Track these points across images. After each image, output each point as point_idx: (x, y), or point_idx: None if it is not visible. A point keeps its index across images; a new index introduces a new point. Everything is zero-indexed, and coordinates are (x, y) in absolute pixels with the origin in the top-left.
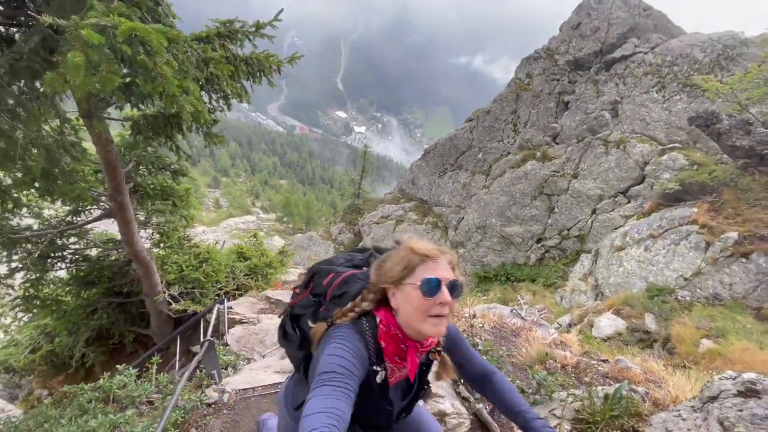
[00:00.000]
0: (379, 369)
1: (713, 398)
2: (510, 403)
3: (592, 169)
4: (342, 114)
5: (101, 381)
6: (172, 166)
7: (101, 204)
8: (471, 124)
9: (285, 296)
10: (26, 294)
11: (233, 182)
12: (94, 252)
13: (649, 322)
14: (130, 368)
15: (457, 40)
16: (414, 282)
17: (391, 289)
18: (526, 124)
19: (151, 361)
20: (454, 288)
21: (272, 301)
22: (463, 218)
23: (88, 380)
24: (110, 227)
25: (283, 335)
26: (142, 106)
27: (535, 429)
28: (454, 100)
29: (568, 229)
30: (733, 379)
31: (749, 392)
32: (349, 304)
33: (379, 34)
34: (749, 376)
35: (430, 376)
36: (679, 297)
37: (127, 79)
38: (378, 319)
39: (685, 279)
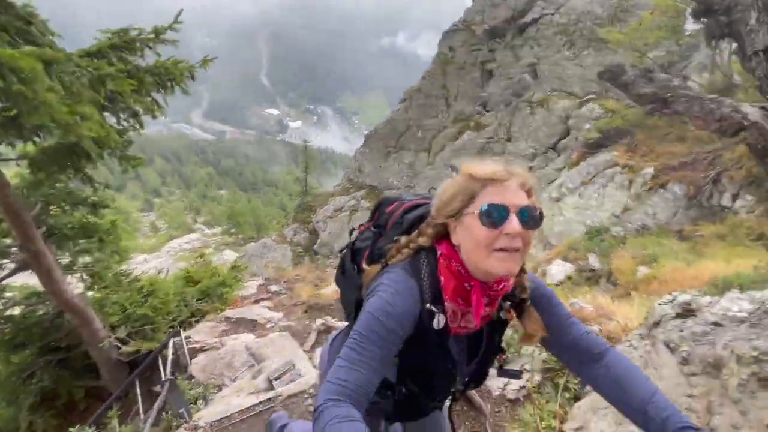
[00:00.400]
0: (436, 310)
1: (657, 323)
2: (637, 393)
3: (522, 130)
4: (273, 111)
5: None
6: (89, 200)
7: (12, 256)
8: (405, 104)
9: (246, 313)
10: None
11: (167, 201)
12: (16, 310)
13: (593, 261)
14: (87, 428)
15: (376, 20)
16: (474, 211)
17: (452, 223)
18: (456, 97)
19: (108, 415)
20: (528, 216)
21: (233, 320)
22: None
23: None
24: (30, 278)
25: (342, 272)
26: (37, 139)
27: None
28: (386, 82)
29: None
30: (671, 302)
31: (686, 312)
32: (404, 239)
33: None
34: (684, 297)
35: (518, 340)
36: (613, 233)
37: (12, 112)
38: (439, 252)
39: (617, 216)
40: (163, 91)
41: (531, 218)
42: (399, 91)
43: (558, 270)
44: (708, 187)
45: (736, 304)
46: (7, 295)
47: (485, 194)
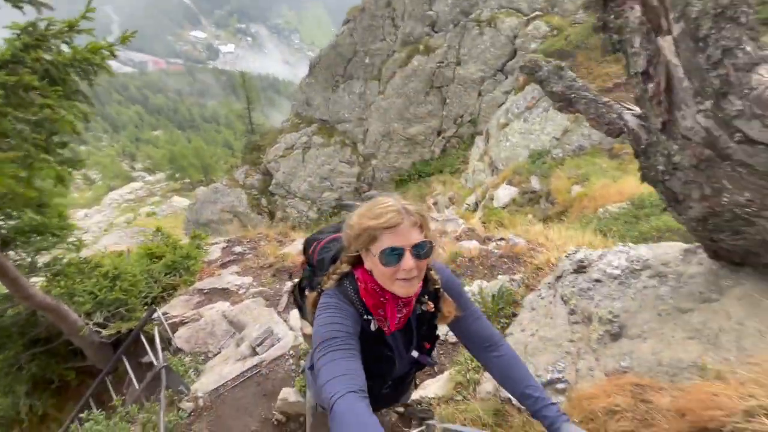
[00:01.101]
0: (369, 318)
1: (559, 277)
2: (518, 378)
3: (472, 52)
4: (200, 34)
5: None
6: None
7: None
8: (350, 26)
9: (217, 282)
10: None
11: (96, 149)
12: None
13: (534, 183)
14: (93, 411)
15: None
16: (375, 253)
17: (362, 253)
18: (403, 17)
19: (114, 402)
20: (420, 251)
21: (205, 291)
22: (367, 130)
23: (44, 429)
24: None
25: (299, 309)
26: None
27: (547, 417)
28: None
29: (461, 117)
30: (570, 258)
31: (580, 269)
32: (330, 269)
33: None
34: (580, 255)
35: (438, 321)
36: (553, 156)
37: None
38: (356, 277)
39: (557, 139)
40: (88, 81)
41: (423, 252)
42: (342, 3)
43: (504, 194)
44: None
45: (617, 259)
46: None
47: (384, 237)
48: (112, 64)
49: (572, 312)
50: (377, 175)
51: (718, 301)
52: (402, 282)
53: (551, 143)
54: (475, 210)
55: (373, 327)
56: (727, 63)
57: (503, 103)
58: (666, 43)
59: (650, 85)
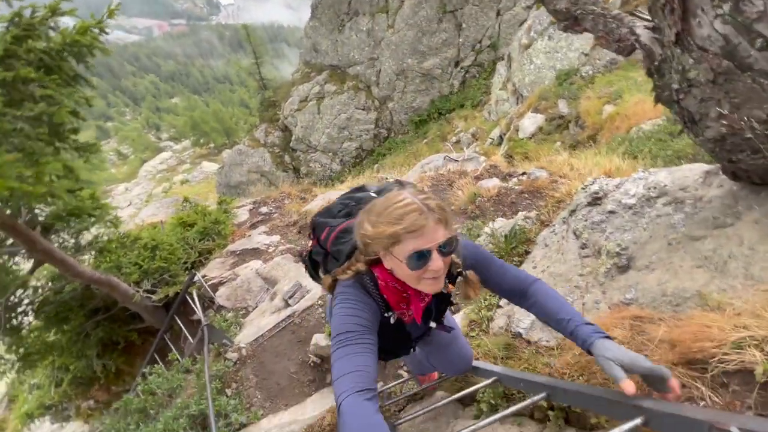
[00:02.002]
0: (389, 314)
1: (573, 211)
2: (550, 311)
3: None
4: None
5: (140, 387)
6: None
7: (27, 256)
8: None
9: (247, 243)
10: (20, 356)
11: (122, 124)
12: (49, 294)
13: (562, 107)
14: (157, 367)
15: None
16: (399, 257)
17: (381, 254)
18: None
19: (170, 357)
20: (446, 248)
21: (238, 252)
22: (380, 70)
23: (120, 382)
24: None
25: (311, 276)
26: None
27: (580, 336)
28: None
29: (480, 42)
30: (586, 190)
31: (595, 201)
32: (346, 264)
33: None
34: (595, 186)
35: (459, 298)
36: (582, 74)
37: None
38: (376, 275)
39: (586, 55)
40: (84, 63)
41: (449, 249)
42: None
43: (529, 123)
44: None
45: (635, 187)
46: (36, 284)
47: (407, 240)
48: (119, 35)
49: (583, 246)
50: (395, 118)
51: (732, 225)
52: (430, 281)
53: (579, 60)
54: (500, 144)
55: (392, 320)
56: None
57: (525, 20)
58: None
59: None
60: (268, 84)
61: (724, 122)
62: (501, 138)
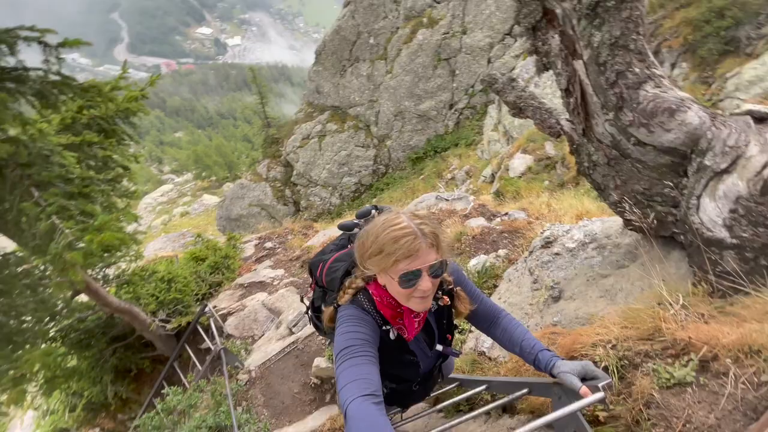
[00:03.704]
0: (388, 328)
1: (531, 252)
2: (516, 339)
3: (477, 19)
4: (206, 30)
5: (159, 406)
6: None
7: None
8: (350, 8)
9: (254, 277)
10: (46, 379)
11: (126, 159)
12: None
13: (549, 149)
14: (174, 388)
15: None
16: (393, 276)
17: (376, 270)
18: None
19: (188, 379)
20: (436, 270)
21: (246, 285)
22: (379, 111)
23: (126, 410)
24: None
25: (317, 328)
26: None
27: (542, 361)
28: None
29: (472, 86)
30: (541, 235)
31: (546, 244)
32: (346, 283)
33: None
34: (548, 232)
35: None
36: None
37: None
38: (371, 292)
39: None
40: (129, 125)
41: (439, 271)
42: None
43: (519, 163)
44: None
45: (578, 233)
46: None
47: (401, 261)
48: (128, 72)
49: (535, 281)
50: (393, 155)
51: (627, 267)
52: (418, 300)
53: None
54: (492, 181)
55: (392, 336)
56: (621, 83)
57: (514, 68)
58: (579, 66)
59: (571, 99)
60: (272, 122)
61: (619, 191)
62: (493, 176)
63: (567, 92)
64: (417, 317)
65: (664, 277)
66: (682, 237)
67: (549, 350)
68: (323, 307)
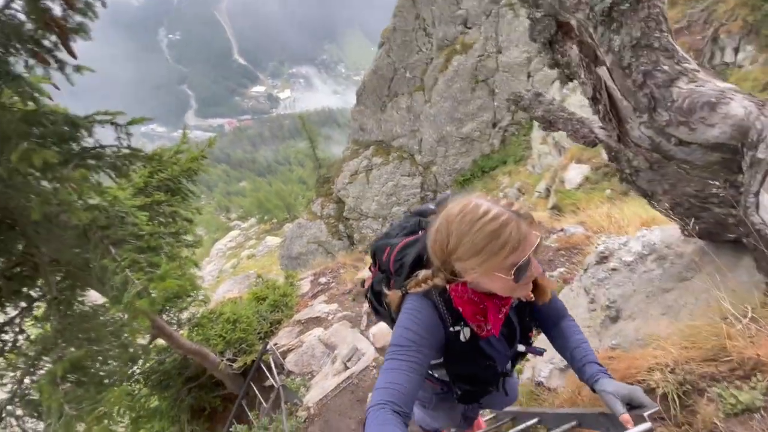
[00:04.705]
0: (459, 328)
1: (586, 269)
2: (571, 344)
3: (511, 37)
4: (260, 88)
5: None
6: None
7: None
8: (385, 47)
9: (310, 312)
10: (131, 419)
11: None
12: (154, 364)
13: (605, 154)
14: (241, 426)
15: None
16: (503, 274)
17: (467, 270)
18: (434, 23)
19: (253, 416)
20: (537, 249)
21: (303, 321)
22: (422, 139)
23: None
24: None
25: (375, 312)
26: None
27: (587, 372)
28: (358, 17)
29: (516, 103)
30: (596, 250)
31: (602, 260)
32: (421, 277)
33: None
34: (603, 246)
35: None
36: None
37: None
38: (448, 288)
39: None
40: (192, 183)
41: (539, 248)
42: (374, 22)
43: (574, 174)
44: (708, 47)
45: (637, 245)
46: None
47: (509, 255)
48: (197, 134)
49: (592, 301)
50: (440, 180)
51: (691, 279)
52: (524, 286)
53: None
54: (547, 196)
55: (464, 337)
56: (650, 83)
57: (556, 79)
58: (603, 72)
59: (600, 107)
60: (322, 163)
61: (668, 196)
62: (548, 190)
63: (594, 100)
64: (501, 313)
65: (733, 287)
66: (744, 240)
67: (600, 365)
68: (385, 291)
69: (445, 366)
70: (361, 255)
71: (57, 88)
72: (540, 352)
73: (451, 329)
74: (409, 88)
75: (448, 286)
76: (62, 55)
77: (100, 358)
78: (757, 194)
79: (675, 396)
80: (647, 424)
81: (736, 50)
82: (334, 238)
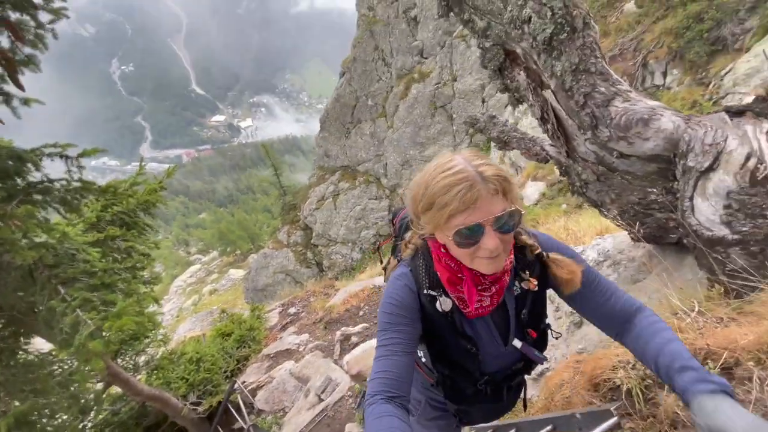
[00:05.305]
0: (435, 294)
1: None
2: (647, 351)
3: (464, 66)
4: (220, 117)
5: None
6: None
7: (97, 379)
8: (347, 77)
9: (279, 345)
10: None
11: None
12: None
13: (557, 170)
14: None
15: None
16: (448, 234)
17: (429, 228)
18: (393, 53)
19: None
20: (504, 224)
21: (272, 355)
22: (386, 163)
23: None
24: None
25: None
26: None
27: (678, 385)
28: (319, 48)
29: (473, 126)
30: (593, 248)
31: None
32: (406, 236)
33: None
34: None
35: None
36: None
37: None
38: (430, 247)
39: None
40: (149, 216)
41: (508, 224)
42: (335, 51)
43: (531, 191)
44: (639, 72)
45: (593, 252)
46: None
47: (456, 214)
48: (153, 165)
49: (557, 309)
50: (406, 202)
51: (643, 280)
52: (485, 260)
53: None
54: None
55: (441, 307)
56: (590, 103)
57: (508, 104)
58: (548, 95)
59: (548, 126)
60: (287, 190)
61: (616, 205)
62: None
63: (543, 120)
64: (486, 291)
65: (680, 285)
66: (685, 241)
67: (696, 369)
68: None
69: (427, 342)
70: (331, 281)
71: (0, 122)
72: (540, 359)
73: (426, 292)
74: (371, 114)
75: (430, 245)
76: (9, 87)
77: (47, 411)
78: (691, 198)
79: (638, 390)
80: (613, 419)
81: (665, 74)
82: (303, 266)
